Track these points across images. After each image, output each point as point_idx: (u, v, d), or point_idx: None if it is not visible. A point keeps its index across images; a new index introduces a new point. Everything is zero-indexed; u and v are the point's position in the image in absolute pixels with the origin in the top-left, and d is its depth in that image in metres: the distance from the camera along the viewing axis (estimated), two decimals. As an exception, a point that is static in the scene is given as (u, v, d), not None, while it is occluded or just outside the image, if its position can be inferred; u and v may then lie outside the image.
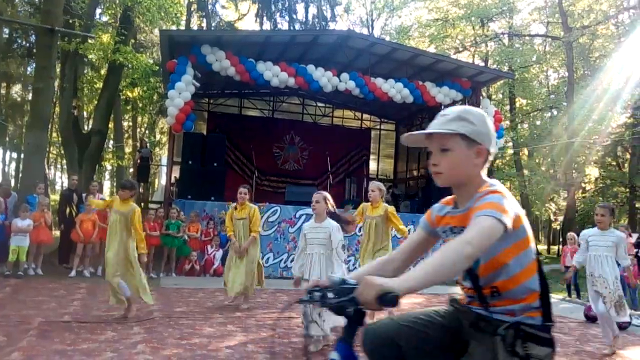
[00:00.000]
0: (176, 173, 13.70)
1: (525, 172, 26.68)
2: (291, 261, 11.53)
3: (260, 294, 8.93)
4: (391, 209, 6.59)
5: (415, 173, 17.80)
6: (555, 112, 28.38)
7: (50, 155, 32.36)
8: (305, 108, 18.52)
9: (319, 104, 18.62)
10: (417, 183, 17.52)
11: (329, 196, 5.39)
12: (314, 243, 5.25)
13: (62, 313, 6.33)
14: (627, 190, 25.38)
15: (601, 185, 27.95)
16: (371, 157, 19.12)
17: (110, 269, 6.10)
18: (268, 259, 11.47)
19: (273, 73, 12.43)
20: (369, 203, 6.66)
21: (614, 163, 28.91)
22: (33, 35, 19.94)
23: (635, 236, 11.17)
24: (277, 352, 5.03)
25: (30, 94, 19.65)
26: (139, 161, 16.91)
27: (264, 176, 16.83)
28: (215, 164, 12.23)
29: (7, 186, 11.57)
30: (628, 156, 26.95)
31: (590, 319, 7.84)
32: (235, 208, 7.41)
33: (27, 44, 22.42)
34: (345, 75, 12.94)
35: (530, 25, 30.16)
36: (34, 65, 16.20)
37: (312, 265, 5.17)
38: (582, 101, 22.84)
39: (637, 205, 24.65)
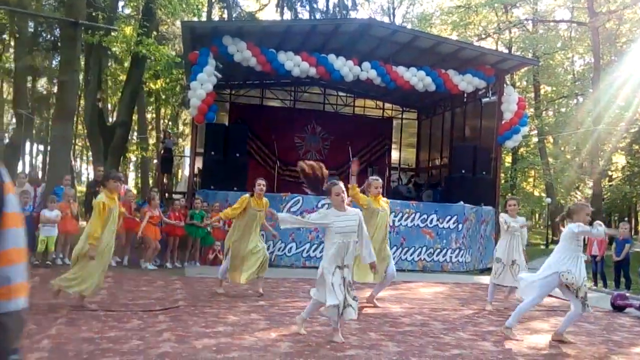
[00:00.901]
0: (199, 164, 13.80)
1: (550, 160, 26.33)
2: (313, 251, 11.60)
3: (284, 282, 9.00)
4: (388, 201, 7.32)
5: (437, 162, 17.67)
6: (581, 99, 27.92)
7: (76, 147, 32.90)
8: (327, 98, 18.48)
9: (340, 94, 18.56)
10: (439, 172, 17.39)
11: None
12: (347, 232, 5.08)
13: (89, 302, 6.45)
14: (655, 178, 24.90)
15: (628, 173, 27.46)
16: (393, 146, 19.01)
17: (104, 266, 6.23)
18: (291, 248, 11.52)
19: (294, 63, 12.41)
20: (373, 196, 6.98)
21: (642, 150, 28.34)
22: (57, 29, 20.22)
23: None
24: (301, 340, 5.06)
25: (56, 87, 19.95)
26: (162, 152, 17.10)
27: (286, 166, 16.84)
28: (237, 155, 12.29)
29: (36, 175, 11.81)
30: (656, 143, 26.39)
31: (617, 308, 7.74)
32: (252, 196, 7.47)
33: (52, 38, 22.77)
34: (366, 64, 12.87)
35: (555, 10, 29.65)
36: (59, 59, 16.44)
37: (348, 253, 5.06)
38: (608, 87, 22.42)
39: (665, 193, 24.17)
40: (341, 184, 5.23)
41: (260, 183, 7.53)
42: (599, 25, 23.29)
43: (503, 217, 7.55)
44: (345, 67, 12.69)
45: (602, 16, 23.80)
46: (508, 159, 27.77)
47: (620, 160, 28.87)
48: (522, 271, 7.10)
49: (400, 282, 9.81)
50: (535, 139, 26.94)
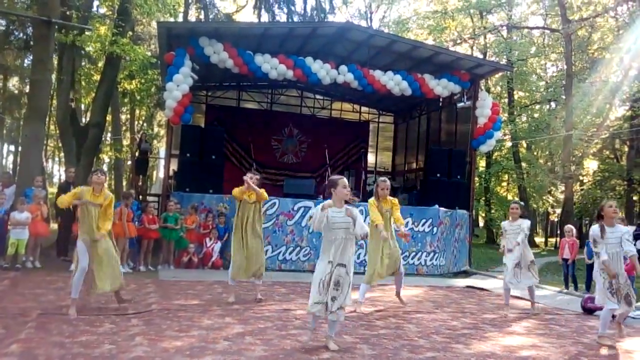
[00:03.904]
0: (174, 166, 13.67)
1: (524, 164, 26.71)
2: (289, 254, 11.58)
3: (258, 286, 8.94)
4: (395, 200, 7.42)
5: (413, 166, 17.80)
6: (553, 105, 28.40)
7: (48, 147, 32.31)
8: (304, 101, 18.50)
9: (318, 97, 18.60)
10: (415, 176, 17.52)
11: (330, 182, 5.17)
12: (340, 228, 4.97)
13: (60, 306, 6.34)
14: (625, 183, 25.45)
15: (599, 177, 28.00)
16: (369, 149, 19.11)
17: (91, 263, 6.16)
18: (266, 251, 11.43)
19: (271, 65, 12.39)
20: (378, 198, 7.20)
21: (612, 156, 28.95)
22: (30, 27, 19.84)
23: (631, 229, 11.18)
24: (275, 344, 5.04)
25: (28, 87, 19.57)
26: (137, 154, 16.93)
27: (262, 169, 16.79)
28: (213, 157, 12.21)
29: (8, 176, 11.59)
30: (626, 149, 26.99)
31: (587, 310, 7.87)
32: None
33: (24, 36, 22.29)
34: (343, 68, 12.91)
35: (529, 17, 30.14)
36: (31, 58, 16.14)
37: (340, 249, 4.95)
38: (580, 94, 22.85)
39: (634, 198, 24.72)
40: (345, 180, 5.14)
41: (250, 176, 7.39)
42: (571, 32, 23.74)
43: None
44: (322, 70, 12.72)
45: (575, 23, 24.27)
46: (482, 163, 28.11)
47: (591, 165, 29.43)
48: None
49: (375, 285, 9.83)
50: (509, 144, 27.31)
